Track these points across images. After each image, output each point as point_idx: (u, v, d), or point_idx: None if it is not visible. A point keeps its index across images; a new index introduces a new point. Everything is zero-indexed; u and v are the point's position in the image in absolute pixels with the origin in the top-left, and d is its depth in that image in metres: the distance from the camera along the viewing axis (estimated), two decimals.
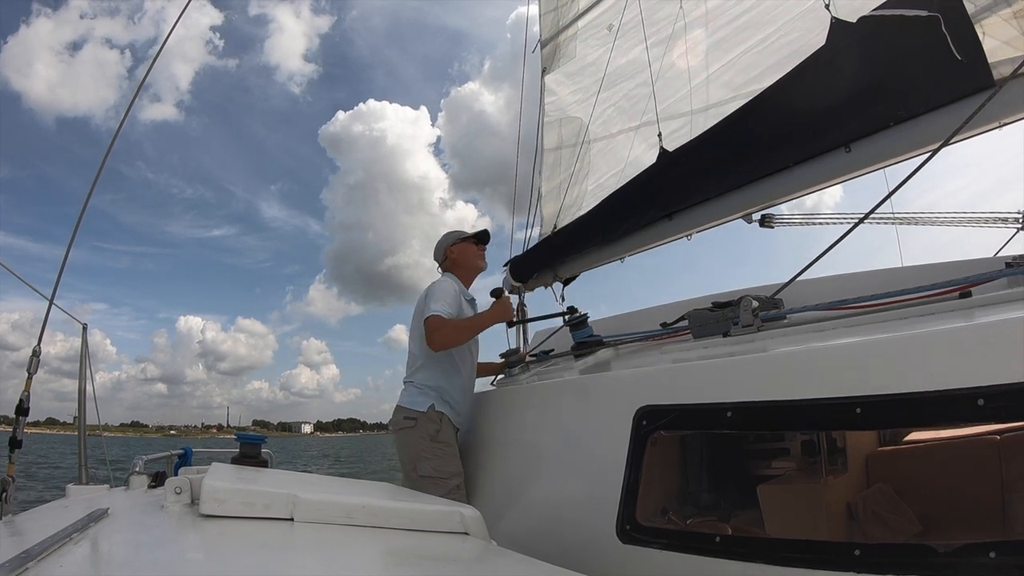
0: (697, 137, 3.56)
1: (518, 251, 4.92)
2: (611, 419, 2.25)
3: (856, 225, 2.30)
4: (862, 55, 2.71)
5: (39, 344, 2.66)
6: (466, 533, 1.61)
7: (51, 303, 2.68)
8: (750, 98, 3.45)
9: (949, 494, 1.65)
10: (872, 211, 2.32)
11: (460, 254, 3.66)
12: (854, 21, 2.73)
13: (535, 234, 5.14)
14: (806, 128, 2.93)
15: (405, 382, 3.38)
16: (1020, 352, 1.44)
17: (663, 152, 3.82)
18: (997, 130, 2.44)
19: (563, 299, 4.54)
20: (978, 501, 1.57)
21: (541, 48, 5.64)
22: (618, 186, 4.77)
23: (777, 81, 3.07)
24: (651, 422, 2.11)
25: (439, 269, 3.73)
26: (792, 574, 1.65)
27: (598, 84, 5.07)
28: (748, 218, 3.43)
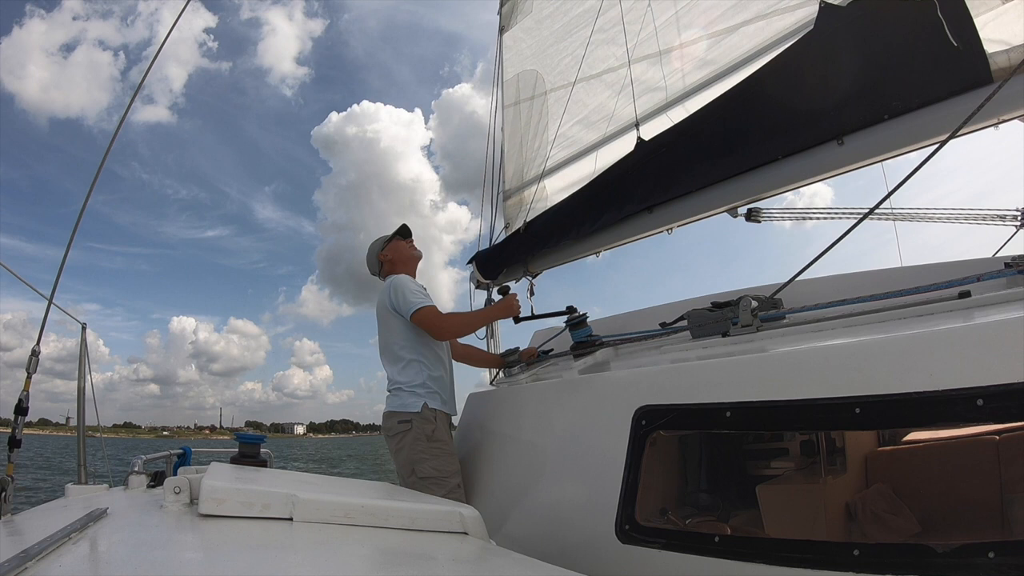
0: (677, 125, 3.50)
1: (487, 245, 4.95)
2: (610, 419, 2.25)
3: (860, 221, 2.28)
4: (853, 42, 2.64)
5: (38, 343, 2.66)
6: (465, 533, 1.61)
7: (50, 303, 2.68)
8: (718, 37, 3.37)
9: (948, 494, 1.65)
10: (877, 206, 2.30)
11: (394, 253, 3.66)
12: (844, 5, 2.66)
13: (497, 195, 5.22)
14: (795, 119, 2.86)
15: (390, 389, 3.31)
16: (1019, 352, 1.44)
17: (641, 142, 3.74)
18: (993, 128, 2.42)
19: (532, 294, 4.55)
20: (977, 501, 1.57)
21: (500, 7, 5.63)
22: (581, 134, 4.74)
23: (762, 67, 3.01)
24: (650, 422, 2.11)
25: (380, 278, 3.73)
26: (791, 574, 1.65)
27: (554, 35, 5.08)
28: (733, 212, 3.36)
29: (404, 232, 3.76)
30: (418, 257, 3.72)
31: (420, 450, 3.10)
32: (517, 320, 3.77)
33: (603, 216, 3.81)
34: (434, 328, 3.26)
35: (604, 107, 4.64)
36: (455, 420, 3.46)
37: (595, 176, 4.09)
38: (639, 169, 3.62)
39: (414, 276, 3.61)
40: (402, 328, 3.30)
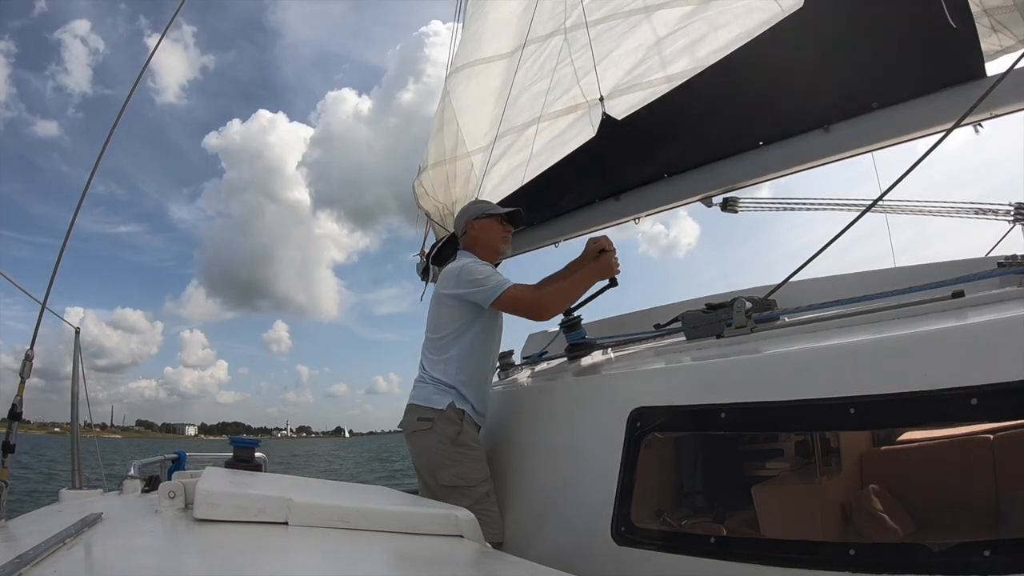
0: (649, 105, 3.30)
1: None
2: (605, 421, 2.25)
3: (858, 218, 2.27)
4: (846, 25, 2.60)
5: (32, 348, 2.65)
6: (461, 536, 1.60)
7: (43, 306, 2.67)
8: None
9: (943, 493, 1.65)
10: (877, 200, 2.27)
11: (481, 231, 3.14)
12: None
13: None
14: (779, 102, 2.80)
15: (418, 381, 2.96)
16: (1012, 351, 1.44)
17: (608, 120, 3.43)
18: (979, 125, 2.41)
19: None
20: (972, 500, 1.57)
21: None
22: (491, 109, 4.24)
23: (745, 46, 2.89)
24: (645, 423, 2.11)
25: (459, 237, 3.28)
26: (787, 574, 1.65)
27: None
28: (708, 201, 3.26)
29: (513, 218, 3.20)
30: (502, 252, 3.22)
31: (442, 455, 2.77)
32: (614, 282, 3.06)
33: (562, 200, 3.66)
34: (531, 309, 2.83)
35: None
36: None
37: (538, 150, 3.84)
38: (604, 150, 3.48)
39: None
40: (454, 316, 2.91)
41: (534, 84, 4.05)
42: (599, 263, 2.97)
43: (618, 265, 2.98)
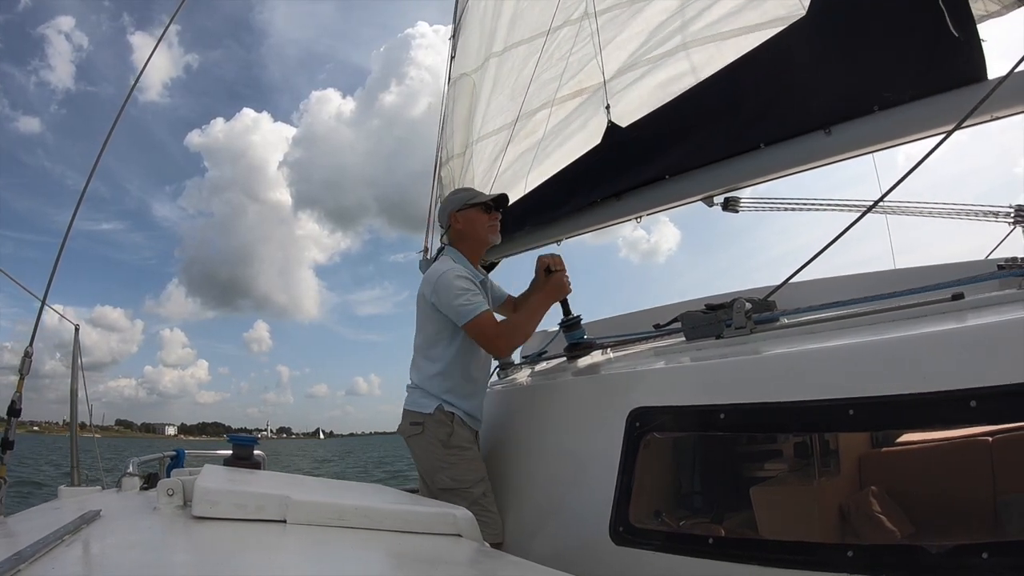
0: (652, 112, 3.39)
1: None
2: (604, 421, 2.25)
3: (859, 218, 2.26)
4: (847, 28, 2.62)
5: (31, 345, 2.65)
6: (459, 535, 1.60)
7: (43, 303, 2.68)
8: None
9: (941, 495, 1.65)
10: (878, 201, 2.26)
11: (465, 224, 3.00)
12: None
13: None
14: (781, 105, 2.82)
15: (408, 385, 2.93)
16: (1012, 354, 1.44)
17: (612, 127, 3.54)
18: (981, 126, 2.41)
19: None
20: (970, 502, 1.57)
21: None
22: (497, 99, 4.46)
23: (749, 52, 2.96)
24: (644, 424, 2.11)
25: (443, 238, 3.17)
26: (785, 575, 1.65)
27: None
28: (709, 201, 3.28)
29: (494, 203, 3.05)
30: (489, 242, 3.08)
31: (436, 458, 2.73)
32: (566, 302, 3.13)
33: (569, 202, 3.70)
34: (491, 343, 2.79)
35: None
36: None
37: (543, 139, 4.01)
38: (608, 152, 3.53)
39: (476, 261, 3.06)
40: (435, 321, 2.82)
41: (544, 72, 4.24)
42: (551, 285, 2.97)
43: (569, 283, 3.00)
